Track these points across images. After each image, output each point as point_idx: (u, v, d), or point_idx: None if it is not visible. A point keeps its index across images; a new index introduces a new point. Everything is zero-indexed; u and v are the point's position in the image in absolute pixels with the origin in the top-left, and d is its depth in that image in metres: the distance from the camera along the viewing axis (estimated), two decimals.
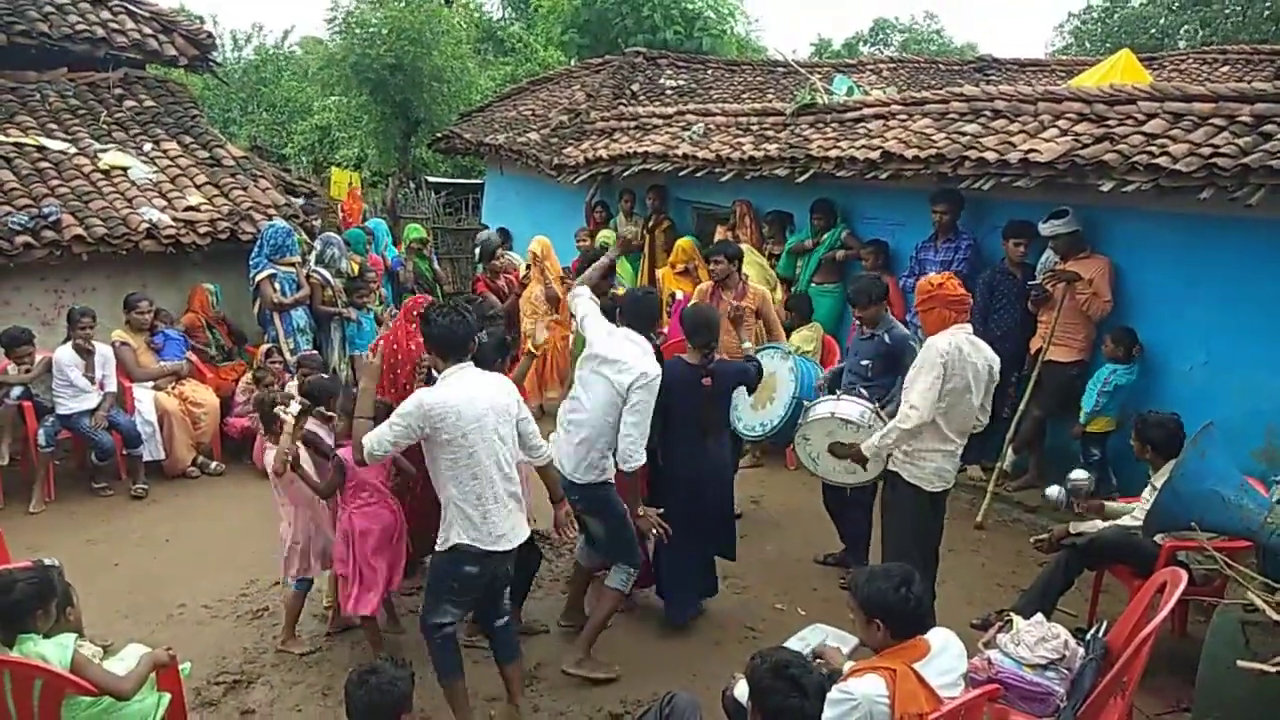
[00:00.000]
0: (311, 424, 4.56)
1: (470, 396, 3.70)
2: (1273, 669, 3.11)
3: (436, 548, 3.86)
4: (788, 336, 7.00)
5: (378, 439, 3.73)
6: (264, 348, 7.67)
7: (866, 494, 5.32)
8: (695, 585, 5.03)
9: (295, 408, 4.65)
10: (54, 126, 8.95)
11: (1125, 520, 4.61)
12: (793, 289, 8.02)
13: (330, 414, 4.62)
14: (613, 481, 4.45)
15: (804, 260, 8.08)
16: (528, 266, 8.73)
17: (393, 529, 4.48)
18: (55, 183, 8.09)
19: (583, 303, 4.73)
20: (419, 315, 4.10)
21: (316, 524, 4.67)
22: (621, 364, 4.29)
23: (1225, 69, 13.43)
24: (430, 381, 4.22)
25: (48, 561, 3.68)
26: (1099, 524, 4.68)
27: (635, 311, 4.60)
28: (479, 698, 4.26)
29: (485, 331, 4.61)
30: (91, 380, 6.71)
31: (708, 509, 4.89)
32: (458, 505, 3.75)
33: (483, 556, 3.77)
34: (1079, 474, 5.04)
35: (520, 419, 3.92)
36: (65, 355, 6.66)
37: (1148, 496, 4.49)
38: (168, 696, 3.55)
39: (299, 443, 4.46)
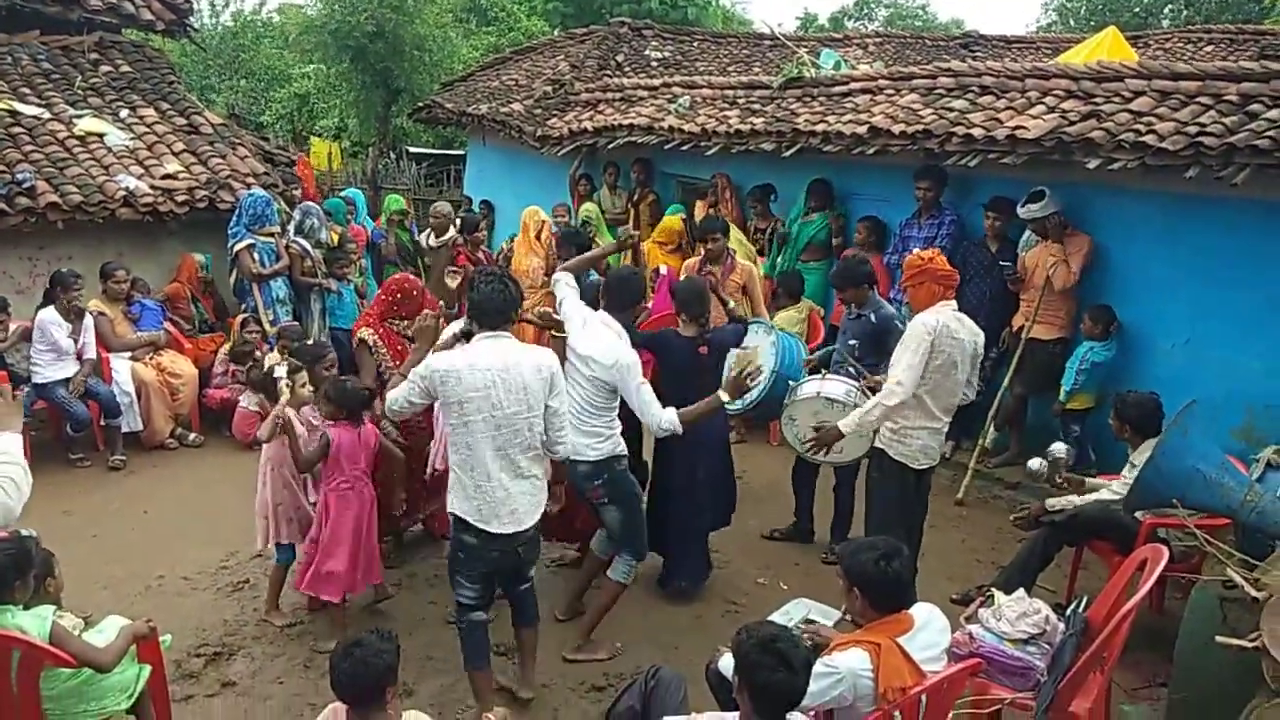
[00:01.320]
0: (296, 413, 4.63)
1: (477, 365, 3.57)
2: (1250, 644, 3.14)
3: None
4: (774, 316, 7.00)
5: (395, 396, 3.76)
6: (240, 318, 7.58)
7: (849, 475, 5.34)
8: (700, 552, 5.10)
9: (282, 370, 4.69)
10: (26, 91, 8.75)
11: (1104, 494, 4.64)
12: (779, 266, 7.99)
13: (325, 377, 4.72)
14: (625, 454, 4.42)
15: (791, 239, 8.03)
16: (511, 239, 8.65)
17: (362, 517, 4.46)
18: (29, 148, 7.93)
19: (562, 288, 4.62)
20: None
21: (291, 489, 4.65)
22: (591, 359, 4.25)
23: (1209, 48, 13.47)
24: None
25: (24, 532, 3.62)
26: (1075, 499, 4.71)
27: (618, 290, 4.54)
28: (440, 660, 4.30)
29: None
30: (75, 342, 6.63)
31: (709, 475, 4.95)
32: (455, 471, 3.72)
33: (480, 533, 3.68)
34: (1058, 446, 5.07)
35: (549, 402, 3.73)
36: (49, 315, 6.57)
37: (1127, 474, 4.52)
38: (148, 668, 3.52)
39: (293, 408, 4.53)
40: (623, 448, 4.39)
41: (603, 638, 4.59)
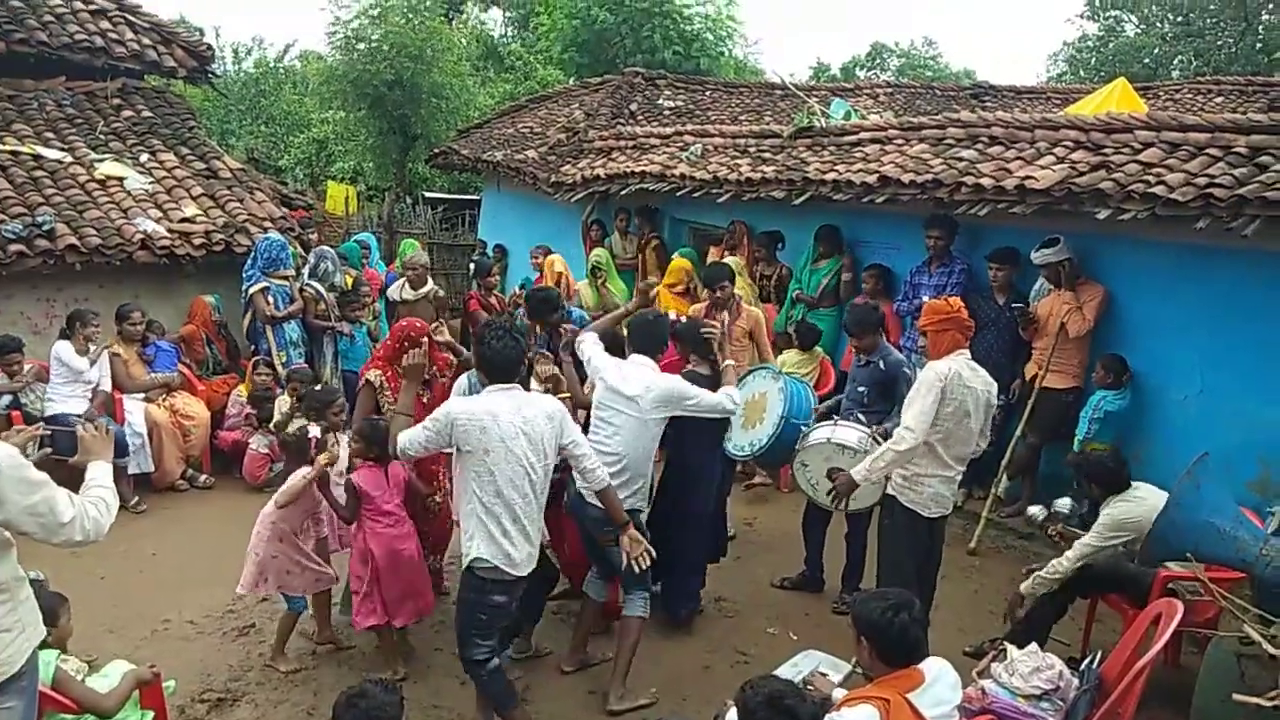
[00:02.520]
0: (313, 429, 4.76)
1: (499, 415, 3.69)
2: (1268, 703, 3.09)
3: (464, 565, 3.84)
4: (780, 354, 7.01)
5: (410, 438, 3.81)
6: (253, 361, 7.62)
7: (863, 522, 5.30)
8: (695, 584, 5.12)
9: (315, 430, 4.81)
10: (50, 135, 8.93)
11: (1071, 553, 4.45)
12: (791, 315, 8.00)
13: (335, 423, 4.88)
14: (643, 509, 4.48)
15: (802, 286, 8.05)
16: (523, 285, 8.72)
17: (401, 552, 4.49)
18: (50, 191, 8.07)
19: (589, 346, 4.72)
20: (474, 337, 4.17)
21: (290, 543, 4.60)
22: (639, 397, 4.35)
23: (1219, 100, 13.54)
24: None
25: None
26: (1045, 574, 4.56)
27: (645, 335, 4.64)
28: (446, 709, 4.26)
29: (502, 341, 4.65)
30: (92, 365, 6.70)
31: (714, 510, 5.06)
32: (479, 518, 3.74)
33: (510, 584, 3.78)
34: (1063, 502, 5.03)
35: (566, 445, 3.88)
36: (65, 347, 6.65)
37: (1095, 531, 4.44)
38: (151, 714, 3.51)
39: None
40: (642, 502, 4.44)
41: (601, 681, 4.55)
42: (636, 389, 4.37)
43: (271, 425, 6.88)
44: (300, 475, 4.50)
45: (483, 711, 4.08)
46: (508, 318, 8.48)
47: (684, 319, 6.65)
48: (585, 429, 4.58)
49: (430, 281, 8.14)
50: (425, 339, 4.77)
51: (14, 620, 2.78)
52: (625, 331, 5.11)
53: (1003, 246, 6.62)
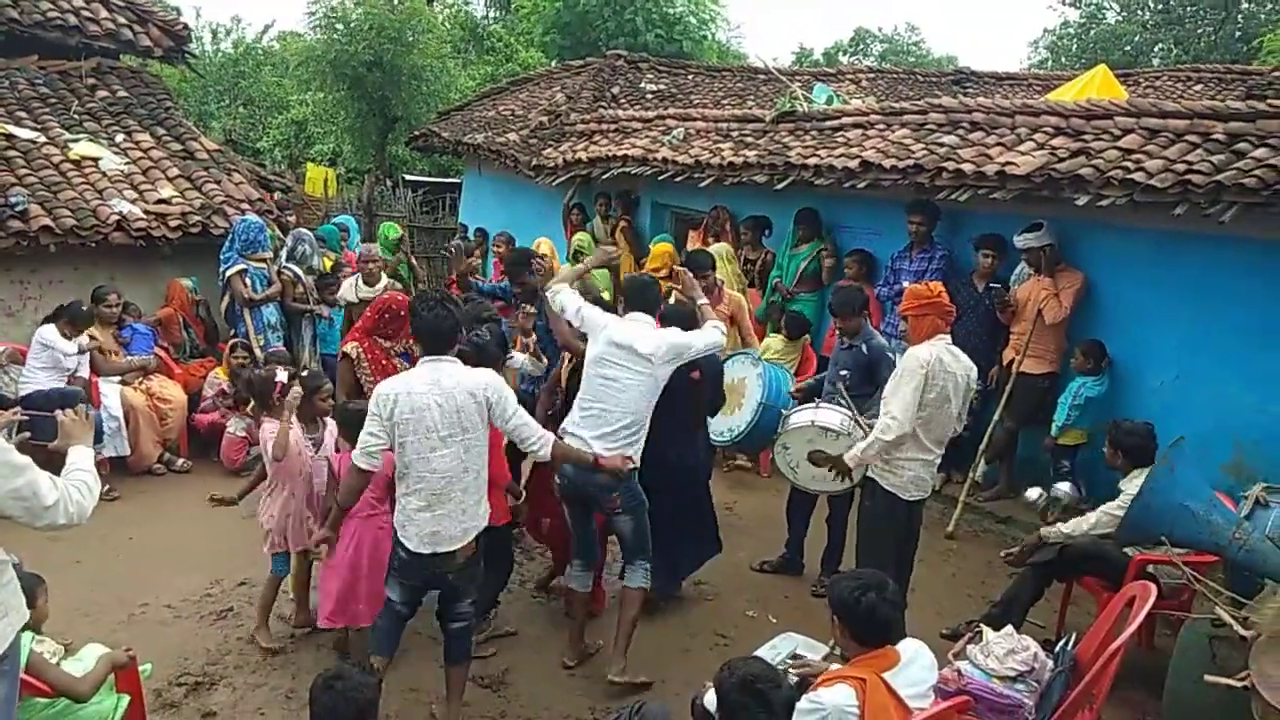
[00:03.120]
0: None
1: (413, 389, 3.66)
2: (1239, 684, 3.13)
3: None
4: (764, 340, 7.02)
5: (360, 443, 3.79)
6: (230, 343, 7.55)
7: (842, 507, 5.32)
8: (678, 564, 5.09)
9: (282, 375, 4.83)
10: (23, 115, 8.78)
11: (1092, 517, 4.55)
12: (772, 300, 8.01)
13: (320, 409, 4.76)
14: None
15: (782, 271, 8.06)
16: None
17: (364, 548, 4.41)
18: (23, 172, 7.94)
19: (570, 297, 4.61)
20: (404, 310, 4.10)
21: (298, 504, 4.62)
22: (651, 355, 4.29)
23: (1198, 87, 13.60)
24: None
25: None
26: (1063, 529, 4.65)
27: (640, 295, 4.56)
28: (424, 693, 4.26)
29: (486, 329, 4.59)
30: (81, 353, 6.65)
31: (697, 498, 5.01)
32: (398, 487, 3.81)
33: (408, 549, 3.77)
34: (1062, 487, 5.06)
35: (504, 417, 3.80)
36: (49, 332, 6.56)
37: (1120, 501, 4.50)
38: (126, 698, 3.48)
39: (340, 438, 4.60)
40: (637, 461, 4.43)
41: (583, 667, 4.57)
42: (650, 346, 4.31)
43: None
44: (282, 428, 4.50)
45: (452, 698, 4.06)
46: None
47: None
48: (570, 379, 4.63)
49: (385, 278, 7.77)
50: (404, 313, 4.76)
51: None
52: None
53: (991, 233, 6.63)
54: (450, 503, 3.73)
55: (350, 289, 7.83)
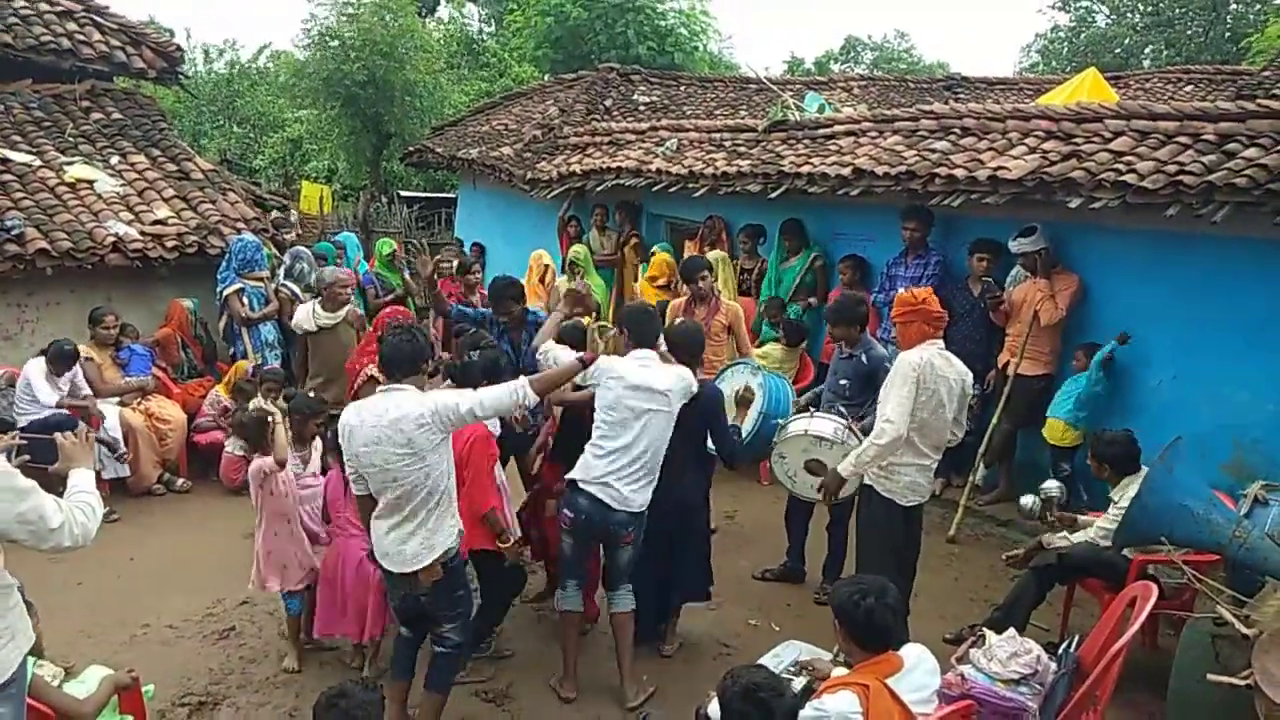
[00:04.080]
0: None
1: (365, 420, 3.66)
2: (1242, 682, 3.13)
3: None
4: (761, 346, 7.01)
5: (347, 471, 3.89)
6: (247, 364, 7.51)
7: (844, 511, 5.31)
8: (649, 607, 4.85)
9: (276, 413, 4.76)
10: (18, 138, 8.81)
11: (1089, 533, 4.63)
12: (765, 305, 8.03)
13: (314, 433, 4.83)
14: None
15: (777, 285, 8.07)
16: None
17: (360, 565, 4.46)
18: (19, 195, 7.96)
19: (566, 351, 4.49)
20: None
21: (286, 538, 4.60)
22: (669, 391, 4.25)
23: (1189, 88, 13.68)
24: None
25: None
26: (1070, 537, 4.71)
27: (642, 326, 4.48)
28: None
29: (478, 352, 4.56)
30: (56, 395, 6.60)
31: (695, 537, 4.87)
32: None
33: (390, 575, 3.84)
34: (1051, 485, 5.07)
35: (463, 416, 3.68)
36: (36, 368, 6.55)
37: (1112, 514, 4.52)
38: (130, 719, 3.48)
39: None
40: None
41: (586, 677, 4.57)
42: (668, 383, 4.26)
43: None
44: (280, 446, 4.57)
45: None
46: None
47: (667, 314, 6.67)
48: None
49: (350, 305, 7.02)
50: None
51: (4, 627, 2.79)
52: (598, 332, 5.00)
53: (986, 238, 6.65)
54: (414, 522, 3.71)
55: (308, 316, 6.91)
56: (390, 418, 3.61)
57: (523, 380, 3.85)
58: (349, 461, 3.76)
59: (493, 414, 3.87)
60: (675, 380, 4.31)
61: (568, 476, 4.38)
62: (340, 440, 3.79)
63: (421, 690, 4.01)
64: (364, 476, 3.72)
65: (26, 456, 3.31)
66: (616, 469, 4.23)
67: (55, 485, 2.96)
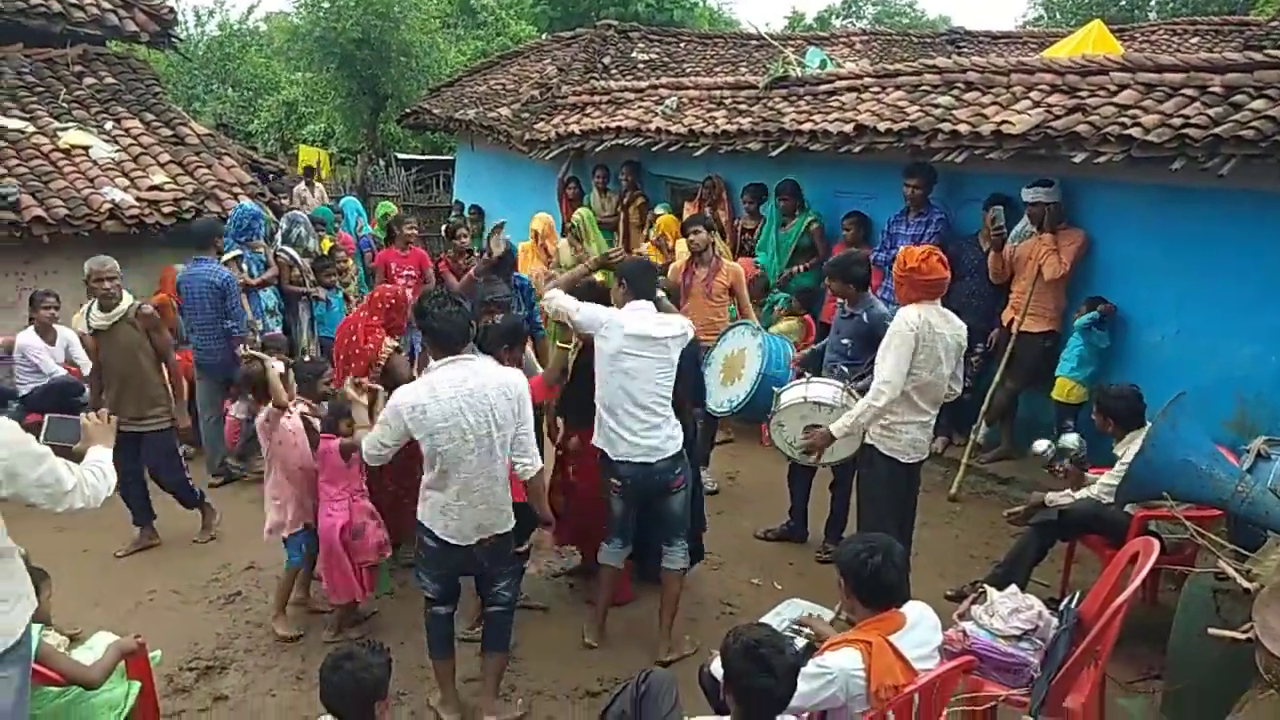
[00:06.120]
0: (304, 408, 4.68)
1: (439, 395, 3.56)
2: (1242, 636, 3.14)
3: None
4: (776, 324, 6.94)
5: (369, 443, 3.77)
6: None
7: (846, 472, 5.31)
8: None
9: (279, 366, 4.88)
10: (10, 104, 8.74)
11: (1093, 489, 4.63)
12: (763, 269, 7.99)
13: (323, 394, 4.77)
14: None
15: (776, 248, 8.01)
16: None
17: (336, 531, 4.49)
18: (13, 162, 7.92)
19: (567, 300, 4.44)
20: (413, 308, 4.03)
21: (286, 484, 4.63)
22: (669, 339, 4.27)
23: (1195, 40, 13.50)
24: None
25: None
26: (1071, 496, 4.71)
27: (640, 278, 4.47)
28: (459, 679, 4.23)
29: (495, 317, 4.55)
30: (55, 361, 6.60)
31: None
32: (426, 488, 3.75)
33: (441, 541, 3.74)
34: (1070, 438, 5.04)
35: (519, 421, 3.71)
36: (29, 338, 6.54)
37: (1116, 470, 4.51)
38: (137, 685, 3.50)
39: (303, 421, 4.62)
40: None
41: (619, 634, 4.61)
42: (665, 330, 4.27)
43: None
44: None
45: (488, 686, 4.05)
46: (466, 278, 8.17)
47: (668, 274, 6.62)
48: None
49: (128, 296, 5.52)
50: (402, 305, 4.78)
51: (9, 590, 2.84)
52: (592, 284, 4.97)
53: (999, 193, 6.56)
54: (491, 496, 3.71)
55: (82, 317, 5.76)
56: (470, 386, 3.57)
57: (538, 464, 3.87)
58: (423, 440, 3.60)
59: (518, 441, 3.77)
60: (671, 327, 4.33)
61: (594, 442, 4.38)
62: (394, 420, 3.61)
63: (484, 653, 4.02)
64: (437, 454, 3.60)
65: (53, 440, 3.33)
66: (635, 424, 4.24)
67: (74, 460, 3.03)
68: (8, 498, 2.74)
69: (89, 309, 5.52)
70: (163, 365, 5.49)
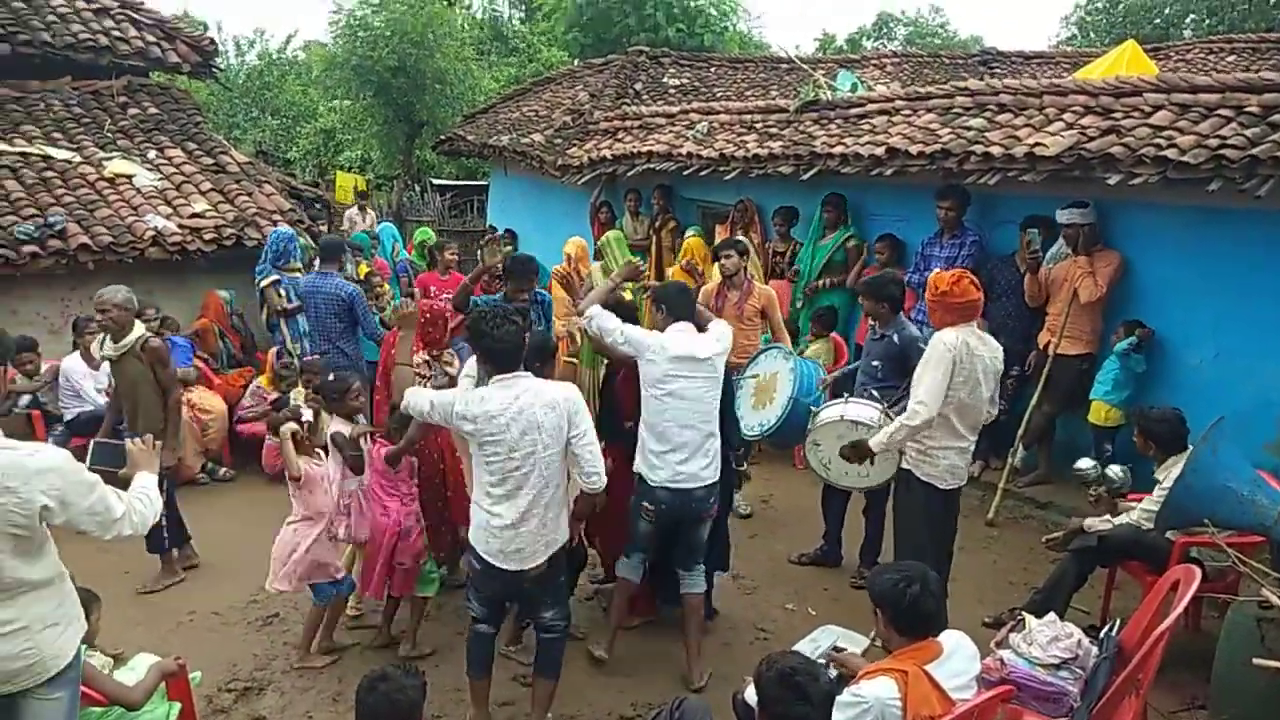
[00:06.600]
0: (336, 424, 4.63)
1: (491, 411, 3.58)
2: None
3: None
4: (807, 348, 6.93)
5: (413, 402, 3.83)
6: (273, 350, 7.66)
7: (880, 498, 5.28)
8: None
9: (308, 414, 4.72)
10: (58, 135, 8.99)
11: (1134, 515, 4.57)
12: (800, 288, 7.99)
13: (352, 408, 4.74)
14: None
15: (811, 260, 8.02)
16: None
17: (387, 530, 4.56)
18: (60, 192, 8.13)
19: (608, 320, 4.40)
20: (467, 326, 4.04)
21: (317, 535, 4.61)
22: (712, 358, 4.29)
23: (1232, 58, 13.34)
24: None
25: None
26: (1111, 521, 4.65)
27: (678, 300, 4.49)
28: (468, 693, 4.24)
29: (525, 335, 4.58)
30: (97, 386, 6.73)
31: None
32: (475, 505, 3.78)
33: (485, 562, 3.76)
34: (1116, 468, 4.99)
35: (574, 437, 3.71)
36: (74, 364, 6.69)
37: (1156, 495, 4.45)
38: (178, 706, 3.56)
39: (333, 444, 4.61)
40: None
41: (622, 660, 4.61)
42: (708, 350, 4.28)
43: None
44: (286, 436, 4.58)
45: (536, 711, 4.06)
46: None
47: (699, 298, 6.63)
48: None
49: (139, 327, 5.42)
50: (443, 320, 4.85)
51: (61, 614, 2.89)
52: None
53: (1036, 214, 6.50)
54: (534, 520, 3.70)
55: (98, 344, 5.81)
56: (520, 404, 3.60)
57: (604, 477, 3.87)
58: (474, 452, 3.65)
59: (581, 453, 3.78)
60: (714, 347, 4.34)
61: (634, 468, 4.37)
62: (457, 419, 3.65)
63: (535, 677, 4.06)
64: (485, 468, 3.64)
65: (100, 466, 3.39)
66: (684, 451, 4.23)
67: (120, 487, 3.08)
68: (59, 525, 2.79)
69: (103, 338, 5.56)
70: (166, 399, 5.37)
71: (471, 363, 4.72)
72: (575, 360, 6.13)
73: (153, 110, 9.82)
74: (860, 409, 4.86)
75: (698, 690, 4.35)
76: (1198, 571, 3.57)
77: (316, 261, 8.21)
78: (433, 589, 4.86)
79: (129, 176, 8.59)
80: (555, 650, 4.01)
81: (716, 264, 6.62)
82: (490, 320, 3.66)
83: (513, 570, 3.73)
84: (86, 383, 6.67)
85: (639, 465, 4.35)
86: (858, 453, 4.64)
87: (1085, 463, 5.09)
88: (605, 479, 3.90)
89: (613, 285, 4.83)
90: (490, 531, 3.70)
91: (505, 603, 4.01)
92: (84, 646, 3.30)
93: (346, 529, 4.65)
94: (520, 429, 3.60)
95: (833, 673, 3.23)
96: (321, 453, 4.68)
